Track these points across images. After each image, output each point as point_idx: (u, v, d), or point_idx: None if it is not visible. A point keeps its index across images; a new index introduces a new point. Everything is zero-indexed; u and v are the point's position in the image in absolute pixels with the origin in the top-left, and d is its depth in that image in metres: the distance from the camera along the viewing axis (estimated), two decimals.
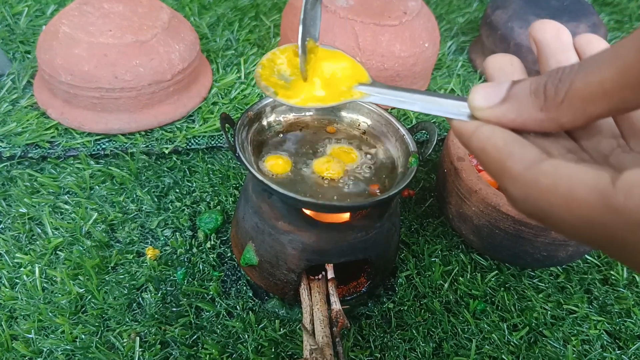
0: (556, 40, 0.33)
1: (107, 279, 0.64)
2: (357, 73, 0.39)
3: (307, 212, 0.55)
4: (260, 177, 0.49)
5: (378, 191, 0.53)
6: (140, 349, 0.57)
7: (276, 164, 0.55)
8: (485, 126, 0.29)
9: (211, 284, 0.64)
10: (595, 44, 0.33)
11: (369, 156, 0.58)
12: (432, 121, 0.83)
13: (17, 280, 0.63)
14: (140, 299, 0.62)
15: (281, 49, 0.42)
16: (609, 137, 0.30)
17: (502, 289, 0.68)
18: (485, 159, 0.28)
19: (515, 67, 0.33)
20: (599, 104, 0.25)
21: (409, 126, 0.58)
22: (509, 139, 0.27)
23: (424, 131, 0.57)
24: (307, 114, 0.61)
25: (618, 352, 0.63)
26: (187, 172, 0.78)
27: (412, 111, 0.33)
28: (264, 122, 0.59)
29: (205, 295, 0.63)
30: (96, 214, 0.70)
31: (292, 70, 0.41)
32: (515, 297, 0.67)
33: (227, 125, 0.54)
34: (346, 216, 0.57)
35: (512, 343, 0.62)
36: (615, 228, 0.22)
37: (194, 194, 0.74)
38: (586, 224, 0.23)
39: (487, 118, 0.29)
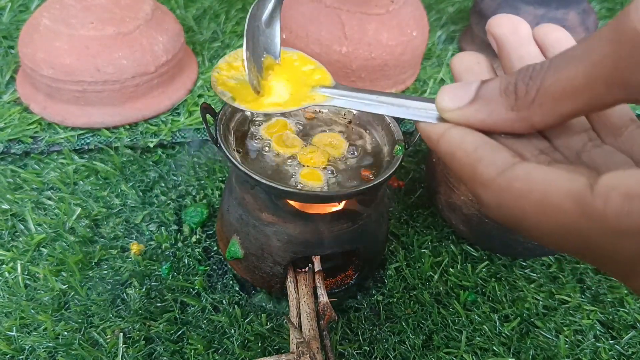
0: (514, 34, 0.32)
1: (90, 274, 0.62)
2: (321, 76, 0.38)
3: (292, 202, 0.54)
4: (242, 168, 0.48)
5: (372, 177, 0.52)
6: (124, 345, 0.56)
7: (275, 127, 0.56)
8: (454, 128, 0.28)
9: (196, 278, 0.63)
10: (555, 34, 0.31)
11: (355, 145, 0.57)
12: None
13: None
14: (124, 294, 0.61)
15: (239, 51, 0.40)
16: (580, 132, 0.29)
17: (493, 279, 0.67)
18: (455, 164, 0.27)
19: (483, 66, 0.32)
20: (571, 102, 0.24)
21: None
22: (479, 142, 0.26)
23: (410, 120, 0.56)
24: None
25: (611, 341, 0.62)
26: (173, 165, 0.76)
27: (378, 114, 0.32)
28: (247, 113, 0.58)
29: (191, 289, 0.62)
30: (80, 209, 0.69)
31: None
32: (507, 287, 0.66)
33: (208, 115, 0.52)
34: (332, 206, 0.56)
35: (503, 334, 0.62)
36: (593, 235, 0.21)
37: (179, 188, 0.73)
38: (562, 230, 0.22)
39: (455, 120, 0.28)
